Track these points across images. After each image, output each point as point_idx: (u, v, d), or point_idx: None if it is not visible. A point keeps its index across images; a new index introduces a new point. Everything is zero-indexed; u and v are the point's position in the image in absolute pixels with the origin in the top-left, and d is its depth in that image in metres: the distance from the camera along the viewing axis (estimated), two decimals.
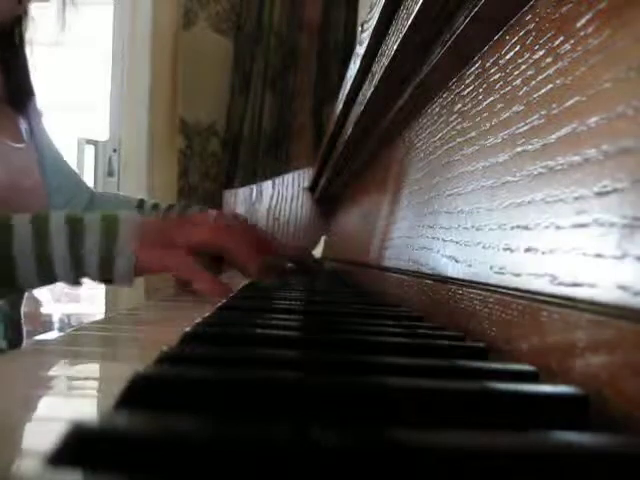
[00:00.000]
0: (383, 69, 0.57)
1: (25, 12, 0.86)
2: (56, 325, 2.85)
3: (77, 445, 0.13)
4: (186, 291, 0.66)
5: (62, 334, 0.36)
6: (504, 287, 0.30)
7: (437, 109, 0.53)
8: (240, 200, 1.84)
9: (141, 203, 0.95)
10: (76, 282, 0.58)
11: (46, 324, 2.73)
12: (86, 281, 0.59)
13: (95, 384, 0.25)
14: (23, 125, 0.88)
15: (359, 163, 0.99)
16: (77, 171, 1.03)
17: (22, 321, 0.89)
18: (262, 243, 0.70)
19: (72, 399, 0.23)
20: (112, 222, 0.58)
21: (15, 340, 0.86)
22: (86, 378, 0.25)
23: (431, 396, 0.19)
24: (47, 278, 0.57)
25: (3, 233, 0.55)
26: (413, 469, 0.13)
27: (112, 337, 0.36)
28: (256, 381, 0.19)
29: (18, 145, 0.82)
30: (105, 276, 0.58)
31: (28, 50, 0.89)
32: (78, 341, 0.34)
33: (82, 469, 0.12)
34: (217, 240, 0.60)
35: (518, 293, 0.28)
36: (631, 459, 0.13)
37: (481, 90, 0.40)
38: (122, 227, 0.58)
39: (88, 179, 2.11)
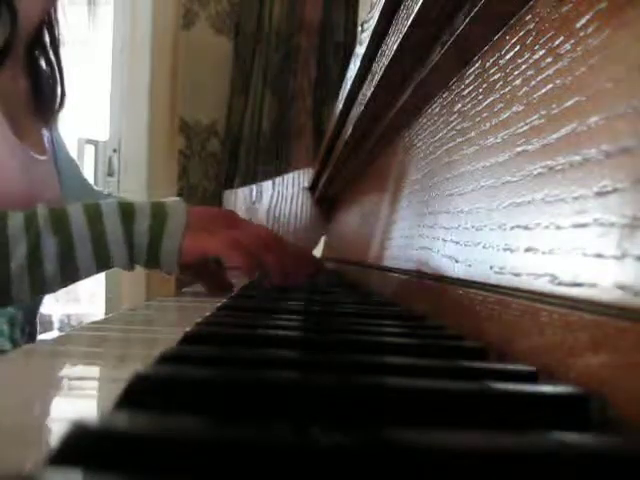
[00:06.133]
0: (383, 69, 0.57)
1: (55, 11, 0.84)
2: (56, 325, 2.85)
3: (77, 445, 0.13)
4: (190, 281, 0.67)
5: (62, 334, 0.36)
6: (504, 287, 0.30)
7: (437, 109, 0.53)
8: (240, 200, 1.84)
9: None
10: (130, 265, 0.60)
11: (46, 324, 2.72)
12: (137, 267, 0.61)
13: (95, 384, 0.25)
14: (46, 134, 0.86)
15: (359, 163, 0.99)
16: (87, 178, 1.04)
17: (37, 320, 0.89)
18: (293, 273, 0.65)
19: (72, 399, 0.23)
20: (160, 207, 0.60)
21: (31, 339, 0.86)
22: (86, 378, 0.25)
23: (431, 396, 0.19)
24: (103, 261, 0.59)
25: (62, 219, 0.58)
26: (412, 469, 0.13)
27: (112, 337, 0.36)
28: (256, 381, 0.19)
29: (41, 157, 0.80)
30: (152, 258, 0.59)
31: (62, 54, 0.86)
32: (78, 341, 0.34)
33: (82, 469, 0.12)
34: (229, 257, 0.60)
35: (518, 293, 0.28)
36: (631, 459, 0.13)
37: (481, 90, 0.40)
38: (170, 212, 0.60)
39: (88, 179, 2.10)
